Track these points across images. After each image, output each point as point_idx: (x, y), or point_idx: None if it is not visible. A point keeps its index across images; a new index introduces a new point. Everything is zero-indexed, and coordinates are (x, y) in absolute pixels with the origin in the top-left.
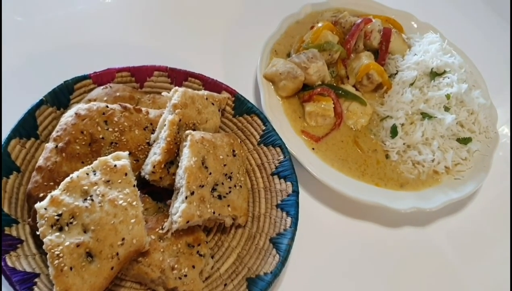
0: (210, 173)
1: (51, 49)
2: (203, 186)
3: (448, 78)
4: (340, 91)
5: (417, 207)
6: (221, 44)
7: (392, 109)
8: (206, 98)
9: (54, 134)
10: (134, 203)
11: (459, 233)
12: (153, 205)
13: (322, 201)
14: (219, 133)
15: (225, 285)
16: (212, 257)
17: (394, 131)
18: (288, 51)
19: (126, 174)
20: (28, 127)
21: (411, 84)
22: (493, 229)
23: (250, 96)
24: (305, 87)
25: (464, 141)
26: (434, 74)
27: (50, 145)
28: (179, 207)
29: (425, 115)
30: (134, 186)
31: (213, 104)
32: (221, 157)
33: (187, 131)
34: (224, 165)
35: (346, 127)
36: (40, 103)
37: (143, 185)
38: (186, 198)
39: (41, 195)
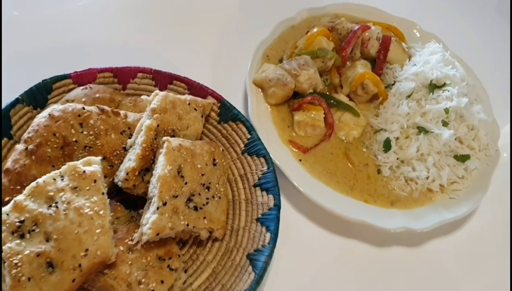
0: (186, 183)
1: (34, 48)
2: (177, 196)
3: (448, 91)
4: (332, 101)
5: (407, 227)
6: (213, 47)
7: (387, 122)
8: (189, 103)
9: (25, 135)
10: (101, 212)
11: (452, 256)
12: (126, 214)
13: (307, 215)
14: (200, 141)
15: None
16: (186, 271)
17: (387, 145)
18: (280, 56)
19: (95, 181)
20: (2, 126)
21: (408, 96)
22: (488, 254)
23: (239, 102)
24: (296, 95)
25: (462, 158)
26: (434, 86)
27: (20, 147)
28: (149, 217)
29: (421, 130)
30: (103, 193)
31: (195, 109)
32: (199, 166)
33: (164, 138)
34: (202, 175)
35: (337, 139)
36: (16, 102)
37: (117, 192)
38: (157, 208)
39: (7, 199)
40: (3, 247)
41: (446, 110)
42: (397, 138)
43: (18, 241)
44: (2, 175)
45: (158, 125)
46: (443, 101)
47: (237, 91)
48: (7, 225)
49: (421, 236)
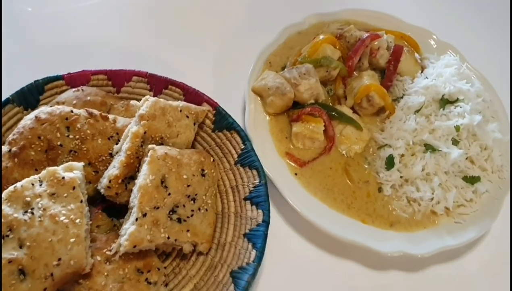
0: (170, 194)
1: (29, 46)
2: (158, 208)
3: (460, 107)
4: (334, 113)
5: (405, 252)
6: (216, 51)
7: (392, 137)
8: (180, 110)
9: (9, 137)
10: (77, 221)
11: (454, 284)
12: (107, 222)
13: (300, 231)
14: (189, 150)
15: None
16: (166, 285)
17: (390, 163)
18: (284, 63)
19: (74, 188)
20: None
21: (417, 111)
22: (492, 286)
23: (238, 110)
24: (296, 105)
25: (471, 180)
26: (446, 101)
27: (4, 148)
28: (128, 228)
29: (428, 147)
30: (81, 201)
31: (187, 117)
32: (185, 176)
33: (150, 146)
34: (188, 186)
35: (337, 153)
36: (6, 102)
37: (102, 199)
38: (136, 219)
39: None
40: None
41: (457, 128)
42: (402, 155)
43: None
44: None
45: (145, 132)
46: (454, 118)
47: (238, 98)
48: None
49: (421, 261)
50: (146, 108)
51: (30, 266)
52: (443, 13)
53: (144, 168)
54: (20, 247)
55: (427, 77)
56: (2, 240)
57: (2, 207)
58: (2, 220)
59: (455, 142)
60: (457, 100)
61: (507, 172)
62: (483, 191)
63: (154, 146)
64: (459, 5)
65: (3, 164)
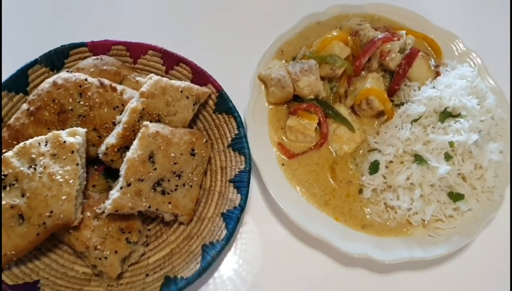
0: (155, 169)
1: (61, 13)
2: (142, 180)
3: (460, 123)
4: (330, 111)
5: (369, 256)
6: (232, 34)
7: (384, 143)
8: (181, 91)
9: (30, 97)
10: (70, 181)
11: None
12: (102, 183)
13: (277, 216)
14: (183, 130)
15: (147, 275)
16: (147, 245)
17: (374, 168)
18: (296, 53)
19: (72, 152)
20: (19, 83)
21: (415, 120)
22: None
23: (245, 94)
24: (297, 98)
25: (455, 197)
26: (448, 114)
27: (24, 106)
28: (113, 194)
29: (417, 158)
30: (77, 164)
31: (187, 98)
32: (172, 154)
33: (144, 123)
34: (175, 163)
35: (327, 150)
36: (35, 62)
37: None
38: (121, 188)
39: (4, 151)
40: None
41: (451, 144)
42: (391, 161)
43: None
44: (4, 129)
45: (143, 109)
46: (451, 133)
47: (246, 81)
48: None
49: (388, 266)
50: (148, 86)
51: (28, 213)
52: (476, 19)
53: (135, 143)
54: (22, 196)
55: (434, 87)
56: (8, 188)
57: (12, 159)
58: (10, 171)
59: (448, 157)
60: (459, 115)
61: (497, 194)
62: (465, 209)
63: (148, 123)
64: (492, 13)
65: (21, 120)
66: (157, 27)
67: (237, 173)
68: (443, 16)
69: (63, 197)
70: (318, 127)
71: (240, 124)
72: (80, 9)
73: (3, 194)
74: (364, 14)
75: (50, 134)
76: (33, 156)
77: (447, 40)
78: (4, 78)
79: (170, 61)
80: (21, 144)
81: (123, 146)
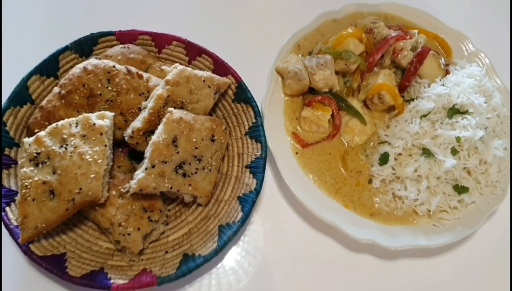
0: (178, 152)
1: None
2: (166, 162)
3: (467, 120)
4: (343, 104)
5: (375, 241)
6: (251, 29)
7: (394, 136)
8: (204, 80)
9: (61, 81)
10: (99, 161)
11: (424, 280)
12: (127, 164)
13: (289, 202)
14: (204, 117)
15: (166, 252)
16: (167, 224)
17: (384, 159)
18: (312, 48)
19: (101, 134)
20: (50, 67)
21: (424, 115)
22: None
23: (262, 84)
24: (312, 90)
25: (460, 190)
26: (455, 111)
27: (56, 90)
28: (138, 175)
29: (425, 152)
30: (105, 146)
31: (209, 87)
32: (194, 139)
33: (169, 109)
34: (196, 148)
35: (339, 141)
36: (65, 49)
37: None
38: (146, 169)
39: (36, 130)
40: (20, 170)
41: (458, 139)
42: (400, 154)
43: (32, 168)
44: (37, 110)
45: (168, 96)
46: (458, 129)
47: (264, 73)
48: (28, 153)
49: (395, 253)
50: (173, 75)
51: (58, 189)
52: (485, 20)
53: (160, 127)
54: (53, 173)
55: (443, 84)
56: (41, 165)
57: (45, 139)
58: (43, 149)
59: (454, 151)
60: (466, 112)
61: (500, 189)
62: (469, 202)
63: (172, 109)
64: (501, 14)
65: (53, 103)
66: (182, 19)
67: (253, 159)
68: (454, 16)
69: (92, 175)
70: (331, 119)
71: (257, 114)
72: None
73: (36, 171)
74: (378, 13)
75: (80, 116)
76: (64, 136)
77: (457, 40)
78: (36, 63)
79: (193, 52)
80: (53, 125)
81: (148, 130)
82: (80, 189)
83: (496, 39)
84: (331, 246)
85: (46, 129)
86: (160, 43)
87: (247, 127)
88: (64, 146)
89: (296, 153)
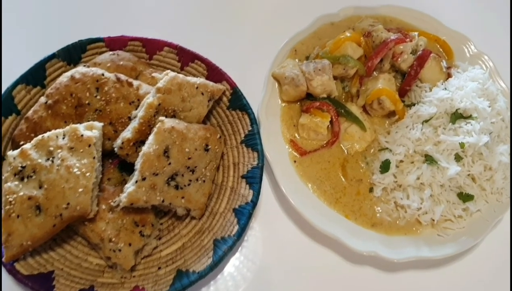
0: (170, 163)
1: (80, 6)
2: (157, 174)
3: (471, 125)
4: (342, 110)
5: (378, 253)
6: (247, 33)
7: (395, 143)
8: (197, 87)
9: (48, 90)
10: (87, 174)
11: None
12: (117, 176)
13: (287, 213)
14: (198, 125)
15: (159, 268)
16: (160, 238)
17: (385, 167)
18: (309, 53)
19: (89, 145)
20: (36, 76)
21: (426, 121)
22: None
23: (259, 91)
24: (310, 96)
25: (464, 198)
26: (459, 116)
27: (42, 99)
28: (128, 188)
29: (428, 159)
30: (94, 158)
31: (203, 94)
32: (187, 149)
33: (160, 118)
34: (189, 158)
35: (338, 148)
36: (52, 56)
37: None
38: (136, 181)
39: (22, 142)
40: (4, 185)
41: (462, 145)
42: (401, 161)
43: (16, 183)
44: (22, 121)
45: (159, 104)
46: (462, 134)
47: (261, 79)
48: (12, 167)
49: (398, 265)
50: (164, 82)
51: (45, 204)
52: (487, 21)
53: (151, 137)
54: (40, 187)
55: (446, 88)
56: (26, 179)
57: (31, 151)
58: (29, 162)
59: (458, 158)
60: (470, 116)
61: (506, 196)
62: (474, 210)
63: (164, 118)
64: (504, 15)
65: (39, 113)
66: (173, 24)
67: (249, 168)
68: (455, 18)
69: (80, 189)
70: (330, 126)
71: (253, 121)
72: (97, 5)
73: (21, 186)
74: (377, 16)
75: (67, 127)
76: (51, 148)
77: (459, 42)
78: (22, 72)
79: (186, 58)
80: (39, 137)
81: (139, 140)
82: (68, 203)
83: (499, 41)
84: (332, 259)
85: (32, 142)
86: (151, 49)
87: (242, 135)
88: (51, 158)
89: (294, 161)
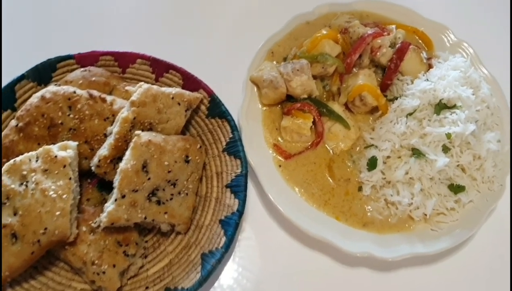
0: (149, 178)
1: (48, 24)
2: (137, 191)
3: (456, 114)
4: (324, 110)
5: (371, 254)
6: (221, 38)
7: (380, 139)
8: (172, 98)
9: (18, 113)
10: (64, 196)
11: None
12: (97, 196)
13: (275, 219)
14: (176, 137)
15: (147, 288)
16: (146, 257)
17: (372, 164)
18: (286, 54)
19: (64, 166)
20: (6, 99)
21: (410, 114)
22: None
23: (238, 96)
24: (291, 98)
25: (456, 189)
26: (443, 106)
27: (12, 123)
28: (108, 207)
29: (415, 152)
30: (70, 179)
31: (179, 104)
32: (166, 163)
33: (136, 132)
34: (169, 171)
35: (323, 149)
36: (21, 78)
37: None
38: (115, 200)
39: None
40: None
41: (448, 135)
42: (388, 157)
43: None
44: None
45: (134, 118)
46: (447, 125)
47: (239, 84)
48: None
49: (391, 263)
50: (138, 95)
51: (21, 231)
52: (465, 8)
53: (127, 153)
54: (14, 214)
55: (427, 80)
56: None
57: (3, 178)
58: (1, 189)
59: (446, 149)
60: (454, 106)
61: (498, 184)
62: (467, 201)
63: (140, 132)
64: (481, 1)
65: (10, 137)
66: (145, 35)
67: (233, 177)
68: (432, 8)
69: (57, 213)
70: (313, 127)
71: (234, 128)
72: (64, 22)
73: None
74: (353, 12)
75: (40, 149)
76: (24, 172)
77: (437, 32)
78: None
79: (160, 69)
80: (11, 161)
81: (116, 157)
82: (46, 228)
83: (478, 27)
84: (325, 262)
85: (4, 167)
86: (123, 62)
87: (224, 143)
88: (25, 183)
89: (279, 166)
